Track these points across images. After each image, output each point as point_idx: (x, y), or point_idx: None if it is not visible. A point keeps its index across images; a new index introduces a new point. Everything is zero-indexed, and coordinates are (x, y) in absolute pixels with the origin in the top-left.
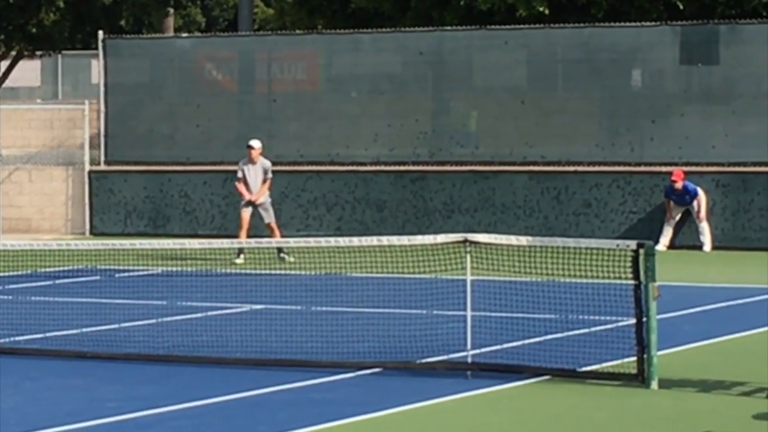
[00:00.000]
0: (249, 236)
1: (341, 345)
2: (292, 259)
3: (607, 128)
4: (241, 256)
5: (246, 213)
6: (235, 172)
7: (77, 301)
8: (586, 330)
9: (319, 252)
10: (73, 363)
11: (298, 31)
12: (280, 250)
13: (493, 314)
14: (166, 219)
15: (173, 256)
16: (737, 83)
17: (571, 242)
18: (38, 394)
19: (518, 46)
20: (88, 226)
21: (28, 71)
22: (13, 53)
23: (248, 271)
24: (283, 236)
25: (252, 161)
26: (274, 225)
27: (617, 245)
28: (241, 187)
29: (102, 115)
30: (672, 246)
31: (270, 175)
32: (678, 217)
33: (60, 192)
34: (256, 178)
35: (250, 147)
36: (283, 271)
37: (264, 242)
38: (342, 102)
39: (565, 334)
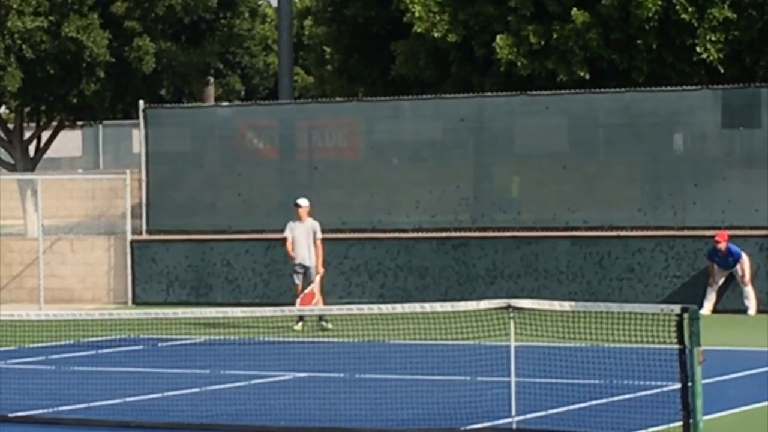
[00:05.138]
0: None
1: (385, 412)
2: (330, 326)
3: (650, 192)
4: (300, 323)
5: (298, 279)
6: (279, 240)
7: (120, 370)
8: (631, 395)
9: (362, 319)
10: None
11: (338, 99)
12: (321, 317)
13: (538, 380)
14: (208, 288)
15: (216, 324)
16: None
17: (614, 307)
18: None
19: (559, 111)
20: (130, 296)
21: (69, 141)
22: (54, 124)
23: (291, 339)
24: (324, 304)
25: (299, 219)
26: (317, 292)
27: (661, 310)
28: (289, 246)
29: (143, 185)
30: (716, 310)
31: (319, 235)
32: (721, 282)
33: (102, 262)
34: (303, 239)
35: (298, 205)
36: (326, 339)
37: (307, 309)
38: (383, 169)
39: (610, 399)
